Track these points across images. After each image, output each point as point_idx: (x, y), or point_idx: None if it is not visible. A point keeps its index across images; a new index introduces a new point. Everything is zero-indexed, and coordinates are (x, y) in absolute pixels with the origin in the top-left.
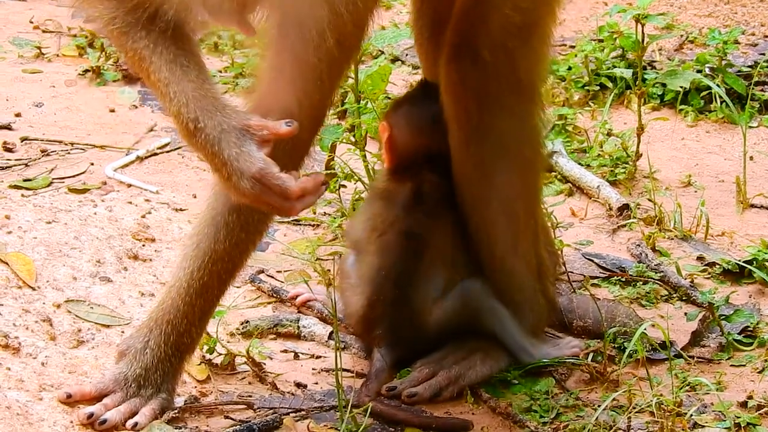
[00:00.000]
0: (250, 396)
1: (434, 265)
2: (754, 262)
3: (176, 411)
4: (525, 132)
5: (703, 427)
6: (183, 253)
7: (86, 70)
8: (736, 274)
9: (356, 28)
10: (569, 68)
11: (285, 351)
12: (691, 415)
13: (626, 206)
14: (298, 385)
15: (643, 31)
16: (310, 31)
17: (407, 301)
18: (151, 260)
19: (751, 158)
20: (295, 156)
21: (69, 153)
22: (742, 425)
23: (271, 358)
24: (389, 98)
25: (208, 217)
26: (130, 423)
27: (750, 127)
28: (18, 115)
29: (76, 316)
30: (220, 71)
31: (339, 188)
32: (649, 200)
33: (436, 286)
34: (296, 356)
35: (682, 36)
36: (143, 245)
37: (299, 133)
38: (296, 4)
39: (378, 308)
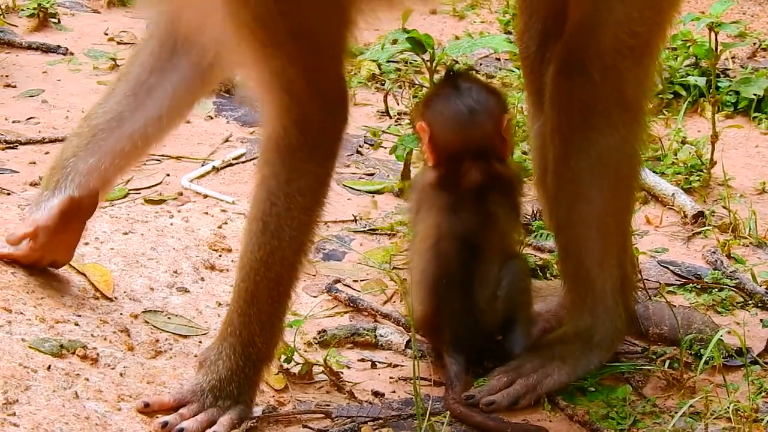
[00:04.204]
0: (327, 405)
1: (490, 263)
2: None
3: (254, 420)
4: (626, 150)
5: None
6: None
7: None
8: None
9: None
10: None
11: (362, 360)
12: None
13: (701, 214)
14: (376, 393)
15: (716, 39)
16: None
17: (470, 306)
18: (228, 270)
19: None
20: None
21: (145, 164)
22: None
23: (349, 367)
24: None
25: (245, 226)
26: None
27: None
28: None
29: (154, 326)
30: None
31: None
32: (724, 207)
33: (493, 283)
34: (373, 365)
35: (755, 44)
36: (220, 255)
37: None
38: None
39: (442, 315)
